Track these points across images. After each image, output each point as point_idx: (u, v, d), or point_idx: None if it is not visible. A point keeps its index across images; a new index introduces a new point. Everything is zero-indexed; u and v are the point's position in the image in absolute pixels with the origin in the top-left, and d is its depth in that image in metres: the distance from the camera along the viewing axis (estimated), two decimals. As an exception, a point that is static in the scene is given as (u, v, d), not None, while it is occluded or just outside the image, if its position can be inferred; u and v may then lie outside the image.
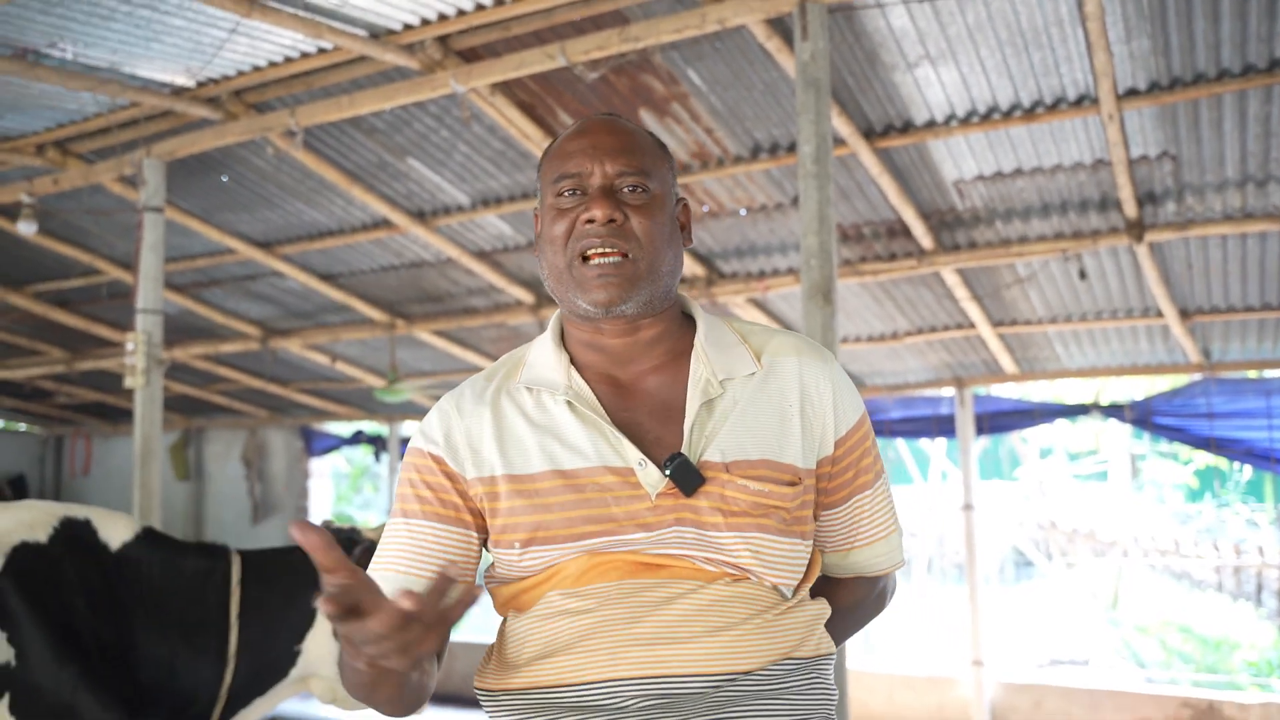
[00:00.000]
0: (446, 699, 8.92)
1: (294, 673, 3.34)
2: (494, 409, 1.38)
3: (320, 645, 3.36)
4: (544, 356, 1.41)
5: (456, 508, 1.36)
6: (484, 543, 1.39)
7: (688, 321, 1.46)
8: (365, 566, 3.59)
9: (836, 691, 1.36)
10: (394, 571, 1.36)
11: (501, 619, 1.40)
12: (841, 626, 1.51)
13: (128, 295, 6.05)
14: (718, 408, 1.36)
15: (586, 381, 1.38)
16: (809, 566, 1.39)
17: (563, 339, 1.44)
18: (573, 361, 1.40)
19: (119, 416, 10.59)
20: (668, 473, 1.29)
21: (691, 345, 1.41)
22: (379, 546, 1.39)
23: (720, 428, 1.34)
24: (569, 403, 1.35)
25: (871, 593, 1.54)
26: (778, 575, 1.31)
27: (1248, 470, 12.16)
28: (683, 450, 1.31)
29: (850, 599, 1.52)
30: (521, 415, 1.37)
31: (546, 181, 1.41)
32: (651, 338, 1.40)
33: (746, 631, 1.27)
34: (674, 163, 1.47)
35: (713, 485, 1.30)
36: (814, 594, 1.42)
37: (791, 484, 1.33)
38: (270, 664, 3.30)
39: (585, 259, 1.34)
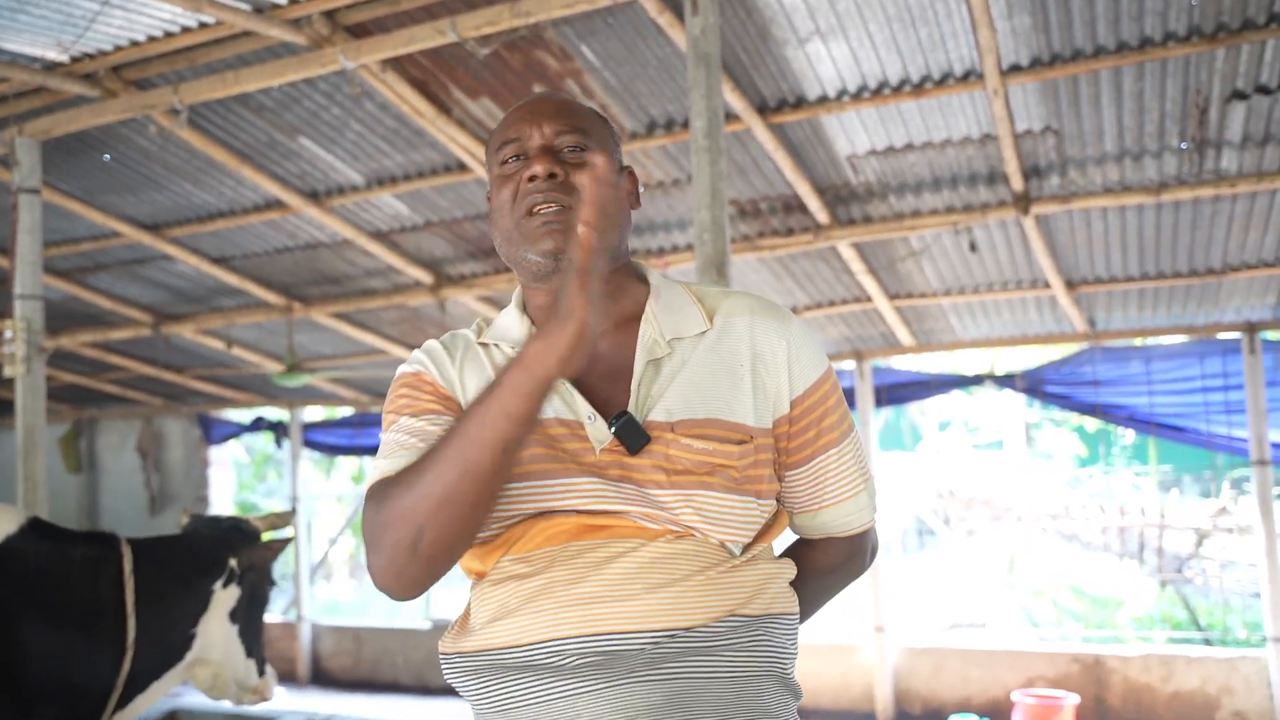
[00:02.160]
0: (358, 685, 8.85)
1: (190, 655, 3.38)
2: (468, 356, 1.46)
3: (213, 629, 3.39)
4: (508, 319, 1.48)
5: (457, 407, 1.41)
6: None
7: (643, 287, 1.49)
8: (257, 561, 3.49)
9: (792, 651, 1.37)
10: (420, 445, 1.33)
11: (469, 585, 1.43)
12: (818, 589, 1.52)
13: (5, 281, 5.81)
14: (665, 368, 1.38)
15: None
16: (769, 526, 1.40)
17: (526, 307, 1.50)
18: (534, 326, 1.46)
19: (1, 408, 10.18)
20: (613, 430, 1.31)
21: (643, 310, 1.44)
22: (386, 445, 1.37)
23: (667, 387, 1.36)
24: None
25: (847, 554, 1.54)
26: (724, 532, 1.32)
27: (1131, 435, 12.66)
28: (629, 409, 1.33)
29: (826, 561, 1.52)
30: (489, 364, 1.44)
31: (492, 156, 1.45)
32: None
33: (688, 588, 1.28)
34: (617, 135, 1.50)
35: (657, 444, 1.32)
36: (791, 556, 1.45)
37: (740, 442, 1.34)
38: (168, 649, 3.31)
39: (530, 214, 1.38)
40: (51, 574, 3.09)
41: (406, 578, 1.26)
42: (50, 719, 3.02)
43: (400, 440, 1.37)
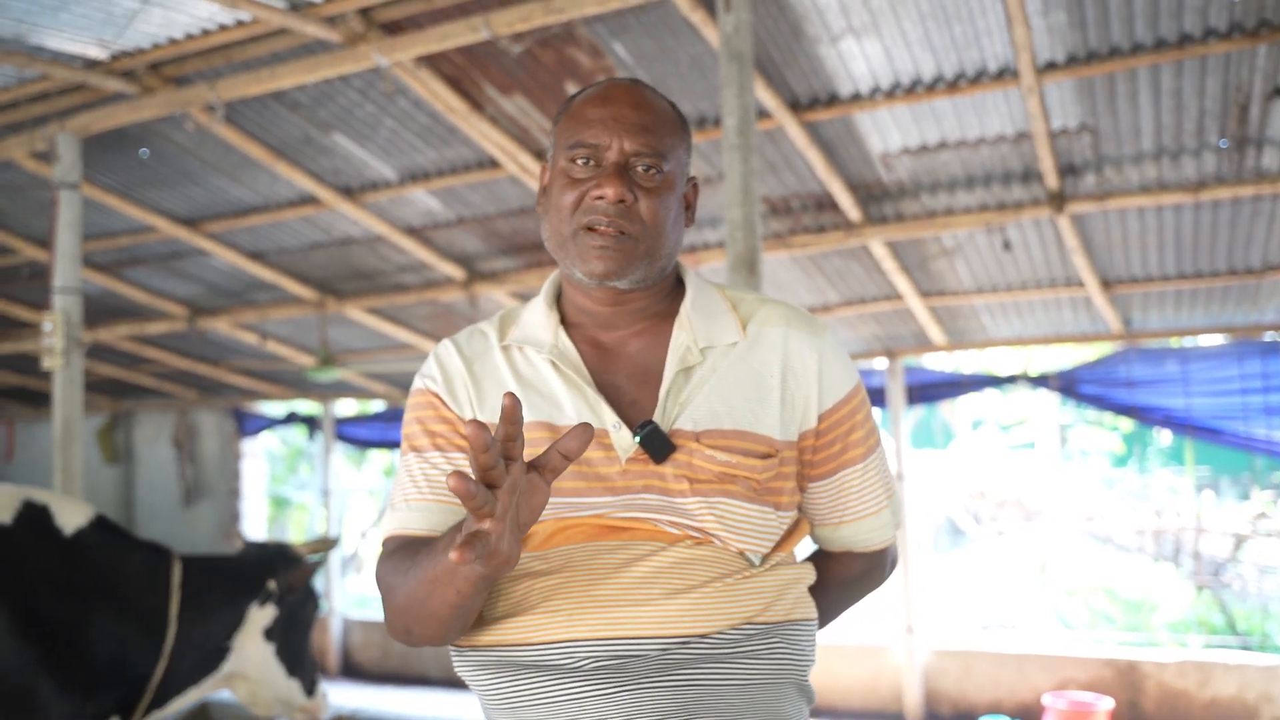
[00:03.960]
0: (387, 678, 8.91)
1: (224, 668, 3.57)
2: (486, 359, 1.43)
3: (248, 645, 3.57)
4: (536, 315, 1.44)
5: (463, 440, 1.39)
6: None
7: (679, 286, 1.47)
8: (293, 582, 3.64)
9: (810, 657, 1.36)
10: (421, 500, 1.37)
11: None
12: (835, 600, 1.52)
13: (44, 275, 5.90)
14: (695, 375, 1.36)
15: (573, 341, 1.40)
16: (788, 535, 1.38)
17: (558, 297, 1.46)
18: (563, 320, 1.43)
19: (42, 400, 10.33)
20: (638, 439, 1.30)
21: (678, 311, 1.42)
22: (398, 483, 1.41)
23: (695, 396, 1.35)
24: (553, 362, 1.38)
25: (866, 568, 1.53)
26: (744, 541, 1.31)
27: (1167, 436, 12.49)
28: (655, 418, 1.32)
29: (843, 574, 1.52)
30: (510, 368, 1.41)
31: (561, 143, 1.39)
32: (640, 306, 1.42)
33: (705, 595, 1.27)
34: (690, 139, 1.46)
35: (681, 454, 1.31)
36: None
37: (765, 456, 1.33)
38: (201, 659, 3.48)
39: (588, 229, 1.34)
40: (115, 570, 3.30)
41: (412, 646, 1.37)
42: (107, 705, 3.18)
43: (406, 490, 1.39)
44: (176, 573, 3.39)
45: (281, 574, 3.64)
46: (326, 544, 3.94)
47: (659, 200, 1.35)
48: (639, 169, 1.35)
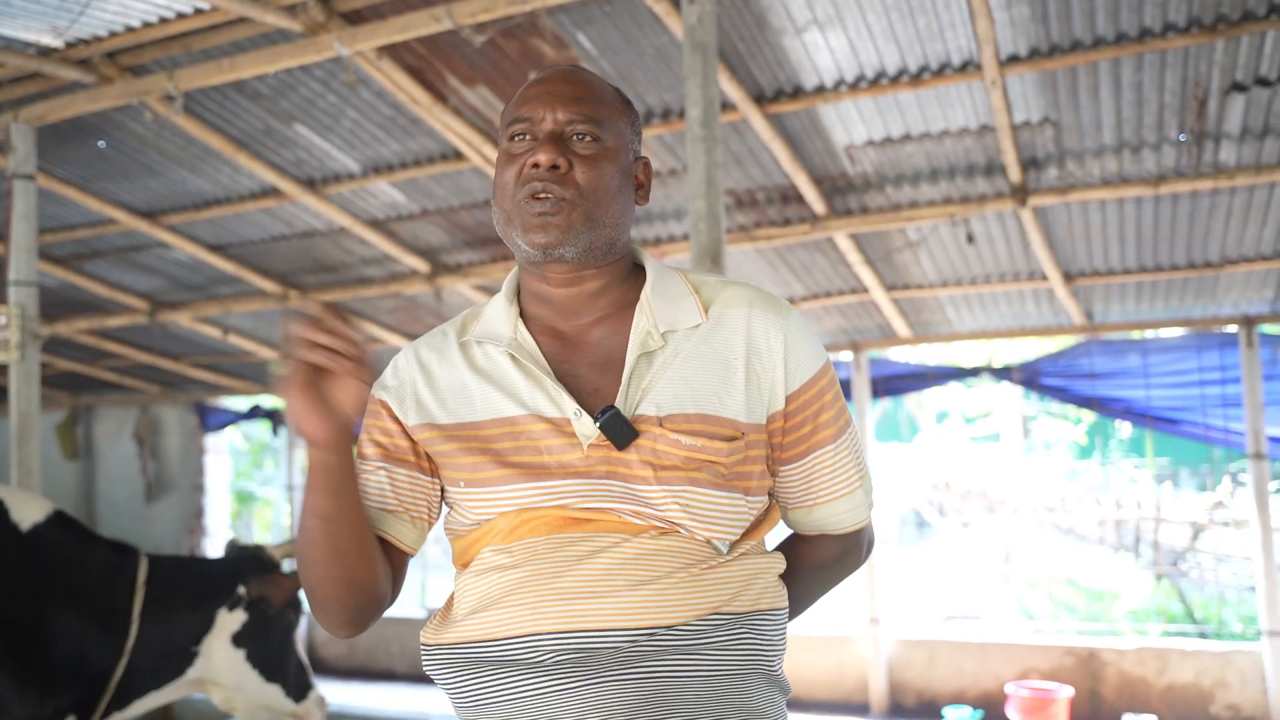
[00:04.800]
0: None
1: (191, 673, 3.49)
2: (445, 359, 1.43)
3: (216, 651, 3.51)
4: (496, 310, 1.44)
5: (404, 451, 1.41)
6: (441, 487, 1.43)
7: (640, 273, 1.46)
8: (265, 590, 3.63)
9: (780, 646, 1.35)
10: None
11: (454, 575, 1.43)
12: (812, 585, 1.50)
13: (1, 268, 5.80)
14: (657, 360, 1.35)
15: (532, 334, 1.40)
16: (758, 524, 1.37)
17: (518, 293, 1.46)
18: (523, 314, 1.43)
19: None
20: (599, 425, 1.29)
21: (639, 297, 1.40)
22: None
23: (658, 380, 1.33)
24: (511, 355, 1.37)
25: (842, 550, 1.51)
26: (711, 529, 1.29)
27: (1128, 428, 12.66)
28: (617, 404, 1.30)
29: (819, 557, 1.50)
30: (470, 366, 1.41)
31: (503, 130, 1.41)
32: (596, 289, 1.40)
33: (670, 585, 1.25)
34: (637, 120, 1.45)
35: (645, 439, 1.29)
36: (783, 552, 1.44)
37: (731, 439, 1.31)
38: (165, 662, 3.41)
39: (529, 199, 1.34)
40: (74, 566, 3.24)
41: (334, 627, 1.40)
42: (65, 703, 3.13)
43: None
44: (142, 571, 3.32)
45: (253, 578, 3.55)
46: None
47: (596, 168, 1.34)
48: (574, 138, 1.35)
